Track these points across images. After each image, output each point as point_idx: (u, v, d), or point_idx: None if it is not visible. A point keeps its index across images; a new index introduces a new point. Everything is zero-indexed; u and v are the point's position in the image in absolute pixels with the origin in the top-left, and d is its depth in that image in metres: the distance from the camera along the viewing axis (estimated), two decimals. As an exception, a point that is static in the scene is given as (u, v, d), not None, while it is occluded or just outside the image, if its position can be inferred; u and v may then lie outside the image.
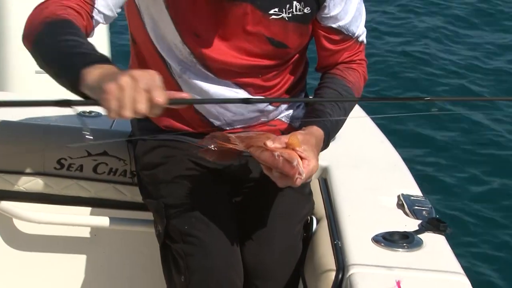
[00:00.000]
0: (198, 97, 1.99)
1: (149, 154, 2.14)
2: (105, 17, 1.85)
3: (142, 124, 2.17)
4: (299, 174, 1.67)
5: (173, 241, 2.03)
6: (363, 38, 2.08)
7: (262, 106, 2.09)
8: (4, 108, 2.57)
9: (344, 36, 2.03)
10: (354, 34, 2.04)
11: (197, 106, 2.07)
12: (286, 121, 2.15)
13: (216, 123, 2.08)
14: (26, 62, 3.10)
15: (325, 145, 1.90)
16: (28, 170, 2.36)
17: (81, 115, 2.53)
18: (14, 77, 3.20)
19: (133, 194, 2.35)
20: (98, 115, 2.52)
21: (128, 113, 1.37)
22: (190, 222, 1.98)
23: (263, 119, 2.12)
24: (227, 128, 2.09)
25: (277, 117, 2.14)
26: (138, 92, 1.37)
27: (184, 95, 1.52)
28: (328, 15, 1.98)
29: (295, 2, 1.92)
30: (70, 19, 1.70)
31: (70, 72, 1.54)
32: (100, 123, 2.46)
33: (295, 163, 1.67)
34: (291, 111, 2.16)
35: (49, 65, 1.66)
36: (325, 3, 1.95)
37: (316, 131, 1.85)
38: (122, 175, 2.37)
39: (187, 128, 2.09)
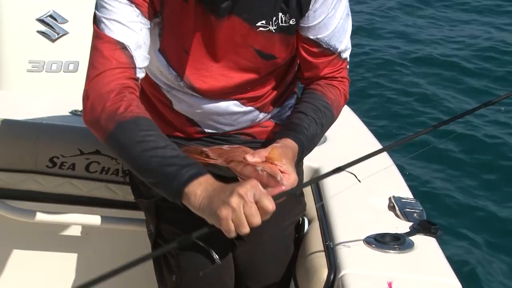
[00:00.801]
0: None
1: None
2: (145, 68, 1.88)
3: None
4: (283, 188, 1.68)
5: (165, 240, 2.03)
6: (346, 55, 2.04)
7: (254, 114, 2.10)
8: (-4, 106, 2.58)
9: (323, 49, 1.99)
10: (336, 49, 2.00)
11: (190, 114, 2.08)
12: (278, 122, 2.15)
13: (208, 130, 2.10)
14: (17, 60, 3.13)
15: (299, 159, 1.89)
16: (20, 168, 2.36)
17: (73, 113, 2.54)
18: (4, 75, 3.18)
19: (125, 193, 2.36)
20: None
21: (246, 230, 1.51)
22: (181, 221, 1.99)
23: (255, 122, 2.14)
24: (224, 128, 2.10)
25: (270, 119, 2.15)
26: (250, 208, 1.50)
27: (277, 190, 1.65)
28: (307, 25, 1.95)
29: (280, 14, 1.91)
30: (140, 116, 1.72)
31: (167, 188, 1.65)
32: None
33: (278, 178, 1.67)
34: (283, 113, 2.17)
35: (135, 169, 1.75)
36: (307, 13, 1.93)
37: (291, 145, 1.85)
38: (114, 174, 2.37)
39: (179, 134, 2.11)
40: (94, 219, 2.38)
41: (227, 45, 1.92)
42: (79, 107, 2.58)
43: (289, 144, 1.84)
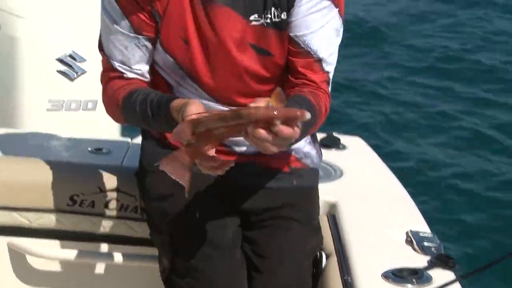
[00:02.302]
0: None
1: (155, 185, 2.13)
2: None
3: (151, 148, 2.17)
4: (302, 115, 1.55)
5: (179, 275, 2.03)
6: (329, 68, 1.98)
7: None
8: (16, 144, 2.61)
9: (302, 50, 1.95)
10: (315, 53, 1.95)
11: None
12: (293, 153, 2.13)
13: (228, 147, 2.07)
14: (37, 99, 3.17)
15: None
16: (40, 207, 2.38)
17: (93, 151, 2.56)
18: (24, 114, 3.22)
19: (144, 230, 2.36)
20: (108, 152, 2.57)
21: None
22: (196, 256, 1.99)
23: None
24: (236, 149, 2.08)
25: (287, 151, 2.12)
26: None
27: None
28: (287, 20, 1.93)
29: (273, 9, 1.92)
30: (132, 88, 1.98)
31: (165, 125, 1.83)
32: (110, 160, 2.50)
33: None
34: (302, 144, 2.14)
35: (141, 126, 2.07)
36: (293, 9, 1.92)
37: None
38: (133, 211, 2.39)
39: None
40: (114, 256, 2.39)
41: (225, 36, 1.92)
42: (99, 145, 2.61)
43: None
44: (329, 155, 2.66)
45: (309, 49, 1.95)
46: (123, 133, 3.34)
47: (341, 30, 1.99)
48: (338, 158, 2.69)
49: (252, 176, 2.08)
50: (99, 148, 2.59)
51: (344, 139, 2.84)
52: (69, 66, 3.14)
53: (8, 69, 3.21)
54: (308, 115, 1.48)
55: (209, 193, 2.06)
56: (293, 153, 2.14)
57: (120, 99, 1.96)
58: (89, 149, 2.59)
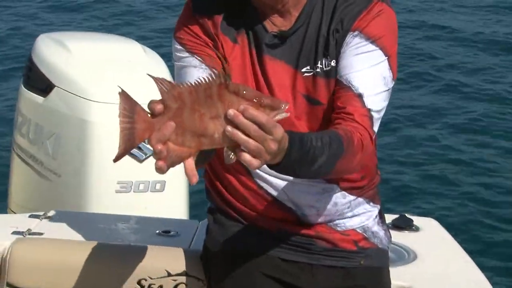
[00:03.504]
0: None
1: (219, 267, 2.14)
2: None
3: (216, 228, 2.16)
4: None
5: None
6: (371, 105, 1.93)
7: (331, 192, 2.05)
8: (84, 227, 2.62)
9: (343, 86, 1.95)
10: (356, 89, 1.93)
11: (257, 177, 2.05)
12: (361, 231, 2.11)
13: (288, 205, 2.05)
14: (106, 181, 3.21)
15: (286, 159, 1.68)
16: None
17: (161, 234, 2.56)
18: (93, 197, 3.26)
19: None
20: (176, 234, 2.56)
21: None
22: None
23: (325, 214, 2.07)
24: (298, 214, 2.06)
25: (353, 227, 2.11)
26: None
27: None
28: (336, 67, 1.97)
29: (323, 59, 1.97)
30: None
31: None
32: (178, 243, 2.48)
33: (283, 105, 1.57)
34: (365, 217, 2.11)
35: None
36: (339, 55, 1.96)
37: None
38: None
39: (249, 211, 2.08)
40: None
41: (280, 89, 1.97)
42: (166, 227, 2.60)
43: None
44: (402, 237, 2.61)
45: (350, 85, 1.94)
46: (191, 214, 3.34)
47: (390, 82, 1.97)
48: (412, 240, 2.63)
49: (317, 254, 2.06)
50: (167, 230, 2.58)
51: (418, 220, 2.77)
52: (138, 147, 3.17)
53: (78, 151, 3.29)
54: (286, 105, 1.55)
55: (273, 272, 2.06)
56: (360, 231, 2.11)
57: None
58: (157, 231, 2.58)
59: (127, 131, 1.55)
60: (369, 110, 1.93)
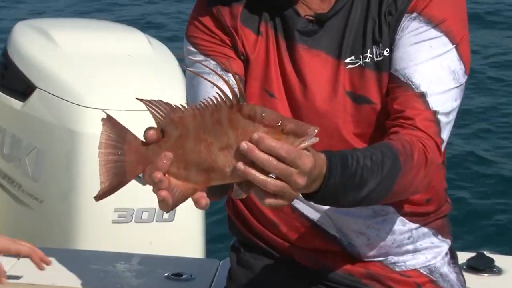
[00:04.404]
0: None
1: None
2: None
3: (240, 267, 2.19)
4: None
5: None
6: (436, 106, 1.93)
7: (384, 217, 2.05)
8: (75, 268, 2.62)
9: (400, 83, 1.95)
10: (416, 85, 1.93)
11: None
12: (426, 273, 2.11)
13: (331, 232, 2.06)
14: (101, 210, 3.22)
15: (325, 187, 1.67)
16: None
17: (169, 278, 2.56)
18: (86, 227, 3.30)
19: None
20: (190, 278, 2.56)
21: None
22: None
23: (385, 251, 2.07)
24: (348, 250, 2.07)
25: (415, 267, 2.11)
26: None
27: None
28: (390, 57, 1.97)
29: (374, 47, 1.97)
30: None
31: None
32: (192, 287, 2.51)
33: (311, 129, 1.55)
34: (432, 254, 2.11)
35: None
36: (394, 43, 1.96)
37: (319, 158, 1.66)
38: None
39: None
40: None
41: (318, 85, 1.98)
42: (178, 268, 2.61)
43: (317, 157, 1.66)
44: (479, 282, 2.60)
45: (410, 82, 1.93)
46: (209, 252, 3.34)
47: (462, 76, 1.97)
48: (492, 285, 2.63)
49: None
50: (178, 273, 2.58)
51: (500, 260, 2.75)
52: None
53: (66, 171, 3.31)
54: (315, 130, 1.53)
55: None
56: (425, 272, 2.11)
57: None
58: (166, 274, 2.58)
59: (114, 165, 1.56)
60: (435, 112, 1.93)
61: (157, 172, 1.52)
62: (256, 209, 2.09)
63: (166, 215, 3.25)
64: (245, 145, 1.50)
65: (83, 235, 3.25)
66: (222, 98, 1.51)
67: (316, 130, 1.55)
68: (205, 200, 1.54)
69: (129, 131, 1.57)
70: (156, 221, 3.28)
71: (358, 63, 1.97)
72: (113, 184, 1.57)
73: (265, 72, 2.01)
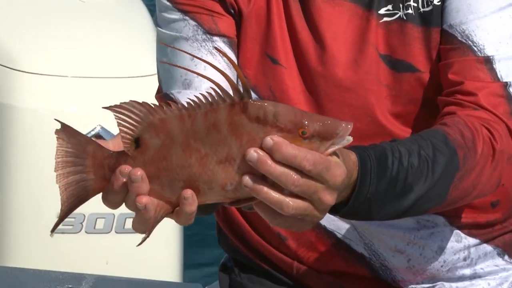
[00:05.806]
0: None
1: None
2: None
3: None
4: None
5: None
6: (509, 76, 1.94)
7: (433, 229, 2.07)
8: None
9: (456, 44, 1.96)
10: (479, 47, 1.95)
11: None
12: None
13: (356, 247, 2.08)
14: (42, 213, 3.27)
15: (356, 199, 1.67)
16: None
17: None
18: (16, 242, 3.32)
19: None
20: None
21: None
22: None
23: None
24: (381, 273, 2.10)
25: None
26: None
27: None
28: (442, 7, 1.97)
29: None
30: None
31: None
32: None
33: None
34: (497, 281, 2.16)
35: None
36: None
37: (349, 160, 1.64)
38: None
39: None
40: None
41: (340, 46, 1.99)
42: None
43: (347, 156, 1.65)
44: None
45: (470, 42, 1.94)
46: (189, 275, 3.37)
47: None
48: None
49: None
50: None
51: None
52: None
53: None
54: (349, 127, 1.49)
55: None
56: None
57: None
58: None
59: (76, 186, 1.56)
60: (506, 84, 1.94)
61: (140, 197, 1.50)
62: (256, 219, 2.11)
63: (128, 225, 3.30)
64: (254, 153, 1.49)
65: (18, 248, 3.31)
66: (219, 93, 1.49)
67: (349, 127, 1.52)
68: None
69: (91, 140, 1.54)
70: (116, 232, 3.31)
71: (397, 15, 1.98)
72: (72, 207, 1.56)
73: (266, 30, 2.01)
